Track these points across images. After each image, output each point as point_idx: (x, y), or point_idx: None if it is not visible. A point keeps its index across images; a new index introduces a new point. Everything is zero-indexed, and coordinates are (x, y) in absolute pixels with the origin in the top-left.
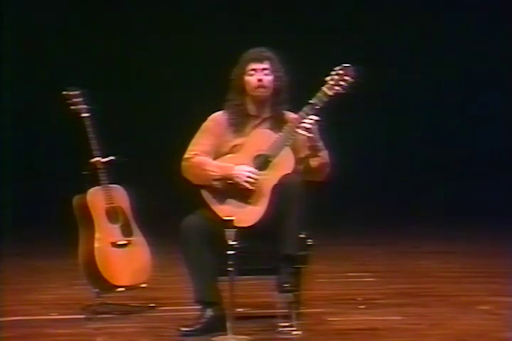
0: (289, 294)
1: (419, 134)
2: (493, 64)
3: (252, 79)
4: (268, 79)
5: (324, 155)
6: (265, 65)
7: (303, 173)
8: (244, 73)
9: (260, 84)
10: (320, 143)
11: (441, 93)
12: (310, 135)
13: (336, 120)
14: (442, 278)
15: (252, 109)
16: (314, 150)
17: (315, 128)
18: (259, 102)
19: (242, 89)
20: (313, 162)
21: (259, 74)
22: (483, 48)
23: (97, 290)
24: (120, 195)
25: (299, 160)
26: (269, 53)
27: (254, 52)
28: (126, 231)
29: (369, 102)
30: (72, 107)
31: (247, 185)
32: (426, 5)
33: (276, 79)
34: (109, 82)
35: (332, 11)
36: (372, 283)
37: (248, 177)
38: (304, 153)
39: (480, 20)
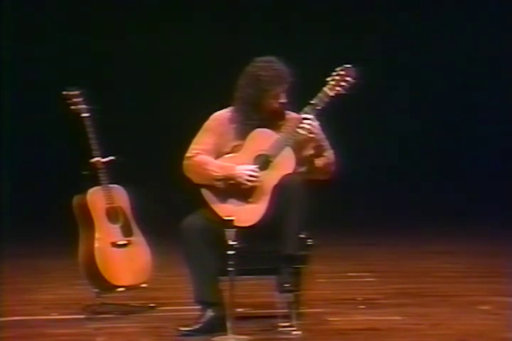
0: (289, 294)
1: (419, 135)
2: (495, 63)
3: (273, 102)
4: (286, 97)
5: (329, 155)
6: (286, 88)
7: (307, 172)
8: (264, 95)
9: (282, 106)
10: (325, 143)
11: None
12: (311, 135)
13: (338, 120)
14: (442, 278)
15: (259, 116)
16: (319, 150)
17: (318, 128)
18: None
19: (261, 108)
20: (319, 161)
21: (282, 97)
22: (484, 47)
23: (97, 290)
24: (120, 195)
25: (302, 159)
26: (287, 73)
27: (274, 75)
28: (126, 231)
29: (369, 103)
30: (72, 107)
31: (249, 184)
32: (426, 5)
33: (288, 92)
34: (109, 82)
35: (332, 11)
36: (372, 283)
37: (250, 175)
38: (308, 151)
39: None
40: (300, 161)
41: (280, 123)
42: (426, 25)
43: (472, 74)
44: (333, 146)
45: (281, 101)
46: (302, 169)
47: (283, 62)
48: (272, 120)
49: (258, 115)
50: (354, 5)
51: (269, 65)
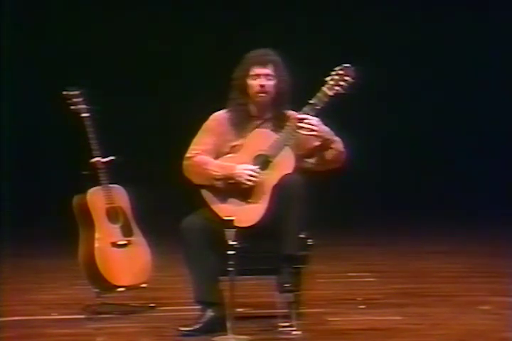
0: (289, 294)
1: (419, 135)
2: (495, 63)
3: (254, 84)
4: (270, 84)
5: (337, 146)
6: (268, 70)
7: (317, 164)
8: (246, 76)
9: (262, 90)
10: (330, 136)
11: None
12: (313, 133)
13: (337, 120)
14: (442, 278)
15: (253, 110)
16: (326, 143)
17: (319, 123)
18: (261, 104)
19: (244, 91)
20: (328, 154)
21: (262, 79)
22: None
23: (97, 290)
24: (120, 195)
25: (310, 152)
26: (272, 56)
27: (257, 55)
28: (126, 231)
29: (368, 101)
30: (72, 107)
31: (250, 183)
32: (426, 5)
33: (279, 82)
34: (109, 82)
35: (331, 11)
36: (372, 283)
37: (250, 175)
38: (313, 143)
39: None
40: (308, 154)
41: (281, 123)
42: (426, 24)
43: (473, 74)
44: (340, 136)
45: (262, 83)
46: (312, 161)
47: (280, 54)
48: (273, 121)
49: (244, 100)
50: (354, 5)
51: (256, 50)
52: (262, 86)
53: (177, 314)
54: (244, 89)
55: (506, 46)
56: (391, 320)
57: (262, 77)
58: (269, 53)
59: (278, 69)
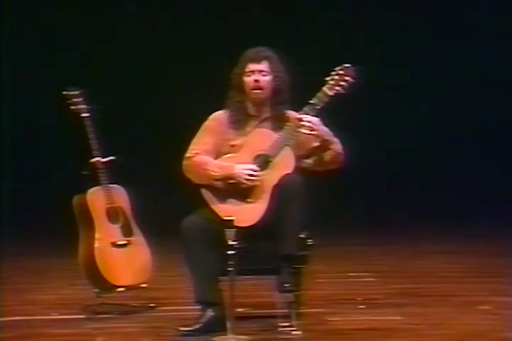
0: (289, 294)
1: (419, 135)
2: (495, 63)
3: (249, 80)
4: (265, 80)
5: (336, 147)
6: (263, 66)
7: (315, 164)
8: (242, 73)
9: (256, 86)
10: (329, 137)
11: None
12: (313, 132)
13: (339, 120)
14: (442, 278)
15: (251, 108)
16: (325, 144)
17: (319, 123)
18: (258, 102)
19: (241, 89)
20: (326, 155)
21: (257, 75)
22: (484, 48)
23: (97, 290)
24: (120, 195)
25: (309, 152)
26: (267, 53)
27: (252, 52)
28: (126, 231)
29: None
30: (72, 107)
31: (249, 183)
32: (426, 5)
33: (274, 79)
34: (109, 82)
35: (332, 11)
36: (372, 283)
37: (249, 175)
38: (312, 144)
39: (481, 19)
40: (307, 155)
41: (280, 123)
42: (426, 24)
43: (473, 74)
44: (339, 137)
45: (256, 78)
46: (310, 161)
47: (278, 53)
48: (272, 120)
49: (241, 97)
50: (355, 4)
51: (253, 48)
52: (256, 81)
53: (177, 314)
54: (240, 86)
55: (506, 46)
56: (391, 320)
57: (256, 73)
58: (264, 50)
59: (273, 65)
